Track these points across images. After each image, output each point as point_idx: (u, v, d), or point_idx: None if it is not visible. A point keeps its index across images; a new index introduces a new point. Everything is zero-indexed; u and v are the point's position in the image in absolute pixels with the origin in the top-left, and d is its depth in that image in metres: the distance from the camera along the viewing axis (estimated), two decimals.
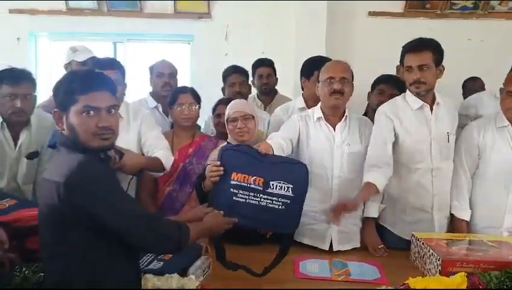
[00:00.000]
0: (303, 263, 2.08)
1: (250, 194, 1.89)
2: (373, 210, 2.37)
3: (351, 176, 2.33)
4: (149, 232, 1.46)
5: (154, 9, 4.55)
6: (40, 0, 4.49)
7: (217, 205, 1.85)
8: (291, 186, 1.92)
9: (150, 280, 1.71)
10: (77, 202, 1.36)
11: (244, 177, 1.89)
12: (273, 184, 1.90)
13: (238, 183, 1.89)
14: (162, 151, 2.37)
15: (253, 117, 2.33)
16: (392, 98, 2.59)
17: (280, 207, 1.89)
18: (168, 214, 2.31)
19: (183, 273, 1.80)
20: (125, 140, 2.38)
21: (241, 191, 1.88)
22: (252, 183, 1.89)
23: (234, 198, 1.88)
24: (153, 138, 2.44)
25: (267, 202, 1.89)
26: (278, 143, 2.19)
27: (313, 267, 2.06)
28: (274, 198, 1.89)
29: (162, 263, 1.88)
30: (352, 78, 2.37)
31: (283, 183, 1.91)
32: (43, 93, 3.24)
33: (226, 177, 1.90)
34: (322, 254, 2.25)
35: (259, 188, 1.89)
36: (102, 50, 3.46)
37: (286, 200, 1.90)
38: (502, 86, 2.32)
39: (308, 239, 2.35)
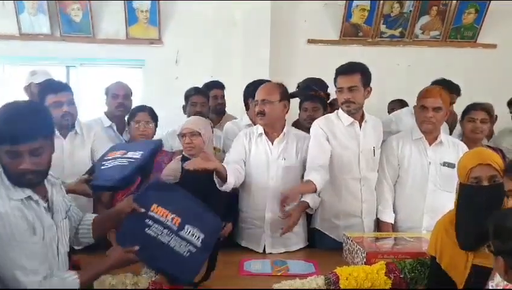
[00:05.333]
0: (247, 263, 2.26)
1: (164, 231, 1.81)
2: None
3: (285, 187, 2.42)
4: None
5: (107, 34, 4.62)
6: None
7: (125, 231, 1.82)
8: (203, 236, 1.85)
9: (106, 279, 1.83)
10: None
11: (164, 212, 1.84)
12: (187, 228, 1.84)
13: (155, 216, 1.83)
14: None
15: (199, 134, 2.46)
16: (314, 111, 2.89)
17: (185, 254, 1.81)
18: None
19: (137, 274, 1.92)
20: (81, 156, 2.55)
21: (155, 225, 1.81)
22: (170, 221, 1.83)
23: (146, 230, 1.80)
24: None
25: (175, 245, 1.81)
26: (235, 169, 2.39)
27: (255, 266, 2.23)
28: (183, 242, 1.82)
29: None
30: (284, 97, 2.52)
31: (196, 230, 1.85)
32: None
33: (146, 205, 1.83)
34: (265, 256, 2.44)
35: (174, 227, 1.82)
36: (55, 74, 3.53)
37: (193, 249, 1.83)
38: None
39: (245, 242, 2.54)
